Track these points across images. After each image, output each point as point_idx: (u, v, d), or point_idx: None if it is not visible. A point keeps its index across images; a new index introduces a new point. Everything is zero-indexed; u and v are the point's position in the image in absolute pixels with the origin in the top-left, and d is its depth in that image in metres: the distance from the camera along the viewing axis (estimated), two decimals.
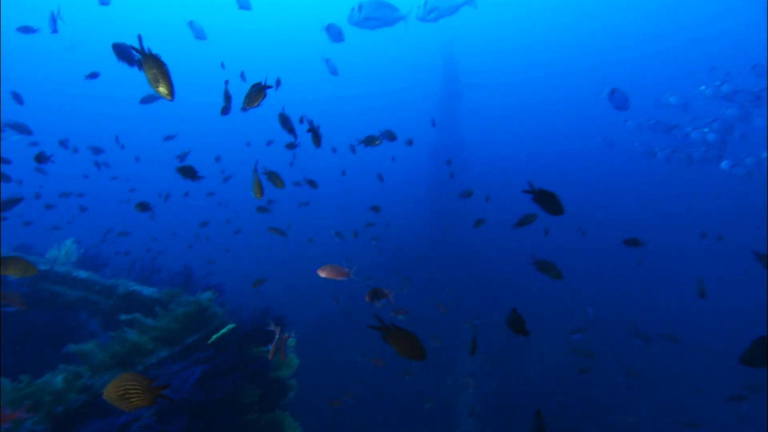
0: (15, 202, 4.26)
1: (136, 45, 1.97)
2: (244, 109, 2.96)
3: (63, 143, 7.79)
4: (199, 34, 6.64)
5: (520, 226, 3.83)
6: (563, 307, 14.15)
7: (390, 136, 4.65)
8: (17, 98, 7.86)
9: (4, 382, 3.25)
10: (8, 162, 6.28)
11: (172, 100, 2.09)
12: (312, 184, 5.27)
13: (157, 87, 2.02)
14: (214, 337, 4.18)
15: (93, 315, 4.75)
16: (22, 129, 6.82)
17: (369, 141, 4.24)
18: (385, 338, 1.94)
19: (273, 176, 3.59)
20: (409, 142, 6.57)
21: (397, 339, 1.93)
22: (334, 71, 6.48)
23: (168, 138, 10.53)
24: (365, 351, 11.06)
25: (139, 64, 2.02)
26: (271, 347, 4.00)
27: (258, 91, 2.97)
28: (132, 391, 1.75)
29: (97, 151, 8.58)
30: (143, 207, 4.23)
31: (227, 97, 3.93)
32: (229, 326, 4.29)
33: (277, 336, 3.92)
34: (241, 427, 4.17)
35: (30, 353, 4.23)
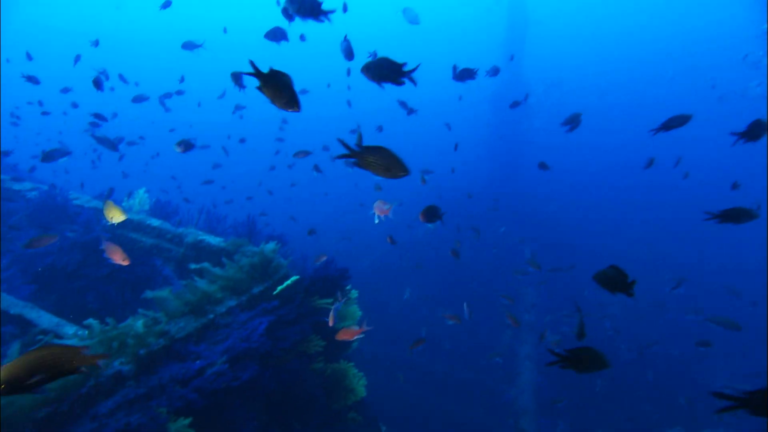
0: (62, 154, 4.39)
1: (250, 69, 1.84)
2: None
3: (122, 77, 8.09)
4: None
5: (674, 128, 3.39)
6: (640, 265, 13.24)
7: (469, 74, 4.24)
8: (96, 44, 8.26)
9: (94, 323, 3.45)
10: (104, 119, 6.62)
11: (299, 112, 1.97)
12: (379, 129, 4.98)
13: (281, 104, 1.90)
14: (279, 288, 4.20)
15: (166, 261, 4.96)
16: (104, 73, 7.17)
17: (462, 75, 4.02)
18: (566, 366, 2.02)
19: (359, 136, 3.41)
20: (495, 72, 5.97)
21: (582, 361, 1.97)
22: (414, 20, 5.87)
23: (221, 96, 10.60)
24: (424, 297, 11.07)
25: (261, 90, 1.90)
26: (333, 311, 3.95)
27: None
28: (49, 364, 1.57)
29: (165, 95, 8.83)
30: (185, 146, 4.17)
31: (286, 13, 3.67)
32: (293, 278, 4.29)
33: (338, 302, 3.85)
34: (307, 376, 4.26)
35: (113, 295, 4.52)
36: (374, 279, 12.43)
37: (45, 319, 3.84)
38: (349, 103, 10.48)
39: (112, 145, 5.79)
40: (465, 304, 7.20)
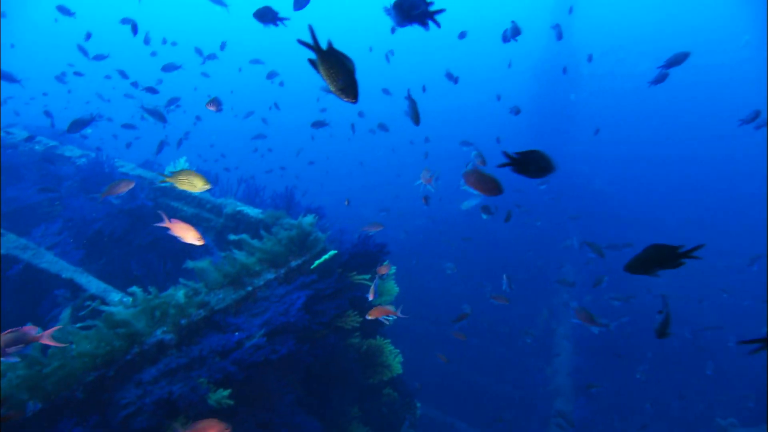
0: (86, 123, 4.41)
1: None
2: None
3: (164, 41, 8.19)
4: None
5: None
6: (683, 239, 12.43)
7: (515, 31, 3.95)
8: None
9: (137, 291, 3.50)
10: (155, 91, 6.71)
11: (355, 103, 1.78)
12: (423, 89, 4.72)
13: (335, 89, 1.70)
14: (317, 263, 4.12)
15: (207, 231, 5.00)
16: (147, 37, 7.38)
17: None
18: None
19: (414, 112, 3.18)
20: (559, 34, 5.55)
21: None
22: None
23: (254, 62, 10.48)
24: (462, 271, 10.82)
25: (314, 64, 1.68)
26: (373, 285, 3.84)
27: None
28: None
29: (207, 57, 8.87)
30: (216, 104, 4.08)
31: None
32: (331, 253, 4.19)
33: (377, 280, 3.72)
34: (344, 351, 4.23)
35: (155, 262, 4.61)
36: (411, 251, 12.32)
37: (93, 284, 3.95)
38: (387, 58, 10.11)
39: (161, 116, 5.86)
40: (504, 276, 6.95)
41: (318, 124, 7.27)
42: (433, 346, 8.93)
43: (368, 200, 16.51)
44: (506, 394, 9.35)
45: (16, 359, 2.50)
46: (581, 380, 9.60)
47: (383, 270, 4.42)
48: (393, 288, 4.91)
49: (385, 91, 10.03)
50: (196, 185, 3.09)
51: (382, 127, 9.06)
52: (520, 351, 10.15)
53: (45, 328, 3.62)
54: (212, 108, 3.98)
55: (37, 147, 6.91)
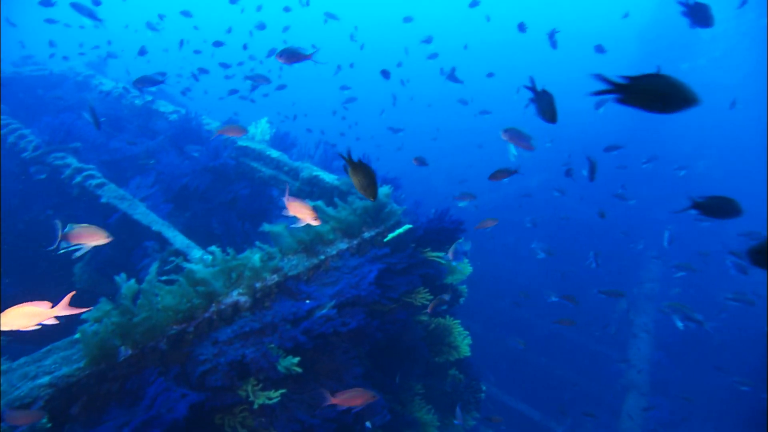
0: (154, 81, 4.52)
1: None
2: None
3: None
4: None
5: None
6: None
7: None
8: None
9: (216, 251, 3.59)
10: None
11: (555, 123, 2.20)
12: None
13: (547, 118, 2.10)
14: (391, 236, 3.96)
15: (283, 194, 5.02)
16: None
17: None
18: None
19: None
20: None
21: None
22: None
23: (329, 15, 10.30)
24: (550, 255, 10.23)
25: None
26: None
27: None
28: None
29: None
30: (289, 56, 3.98)
31: None
32: (406, 227, 4.00)
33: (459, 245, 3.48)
34: (412, 327, 4.10)
35: (234, 221, 4.75)
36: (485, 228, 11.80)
37: (178, 239, 4.14)
38: (487, 18, 9.48)
39: (265, 78, 5.95)
40: (592, 253, 6.48)
41: (385, 73, 7.28)
42: (503, 325, 8.62)
43: (440, 167, 15.99)
44: (574, 382, 8.88)
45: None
46: (660, 378, 8.82)
47: (490, 223, 4.28)
48: (466, 267, 4.64)
49: (465, 47, 9.40)
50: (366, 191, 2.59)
51: (453, 78, 8.46)
52: (593, 339, 9.50)
53: (137, 276, 3.88)
54: (283, 60, 3.83)
55: (136, 101, 7.37)
